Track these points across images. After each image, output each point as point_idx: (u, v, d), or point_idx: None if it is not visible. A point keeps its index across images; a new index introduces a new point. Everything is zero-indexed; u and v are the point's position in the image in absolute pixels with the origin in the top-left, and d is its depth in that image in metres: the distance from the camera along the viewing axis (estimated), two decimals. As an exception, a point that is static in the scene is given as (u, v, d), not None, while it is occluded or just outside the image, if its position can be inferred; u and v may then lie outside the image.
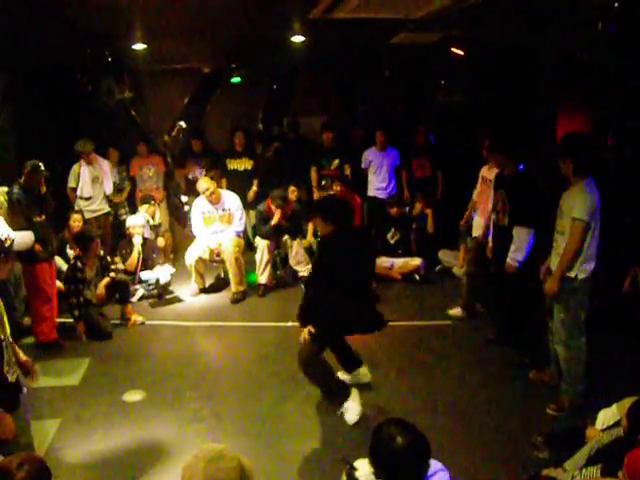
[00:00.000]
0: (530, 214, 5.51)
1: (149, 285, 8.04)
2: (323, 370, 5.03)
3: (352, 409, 4.95)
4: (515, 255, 5.59)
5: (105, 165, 8.72)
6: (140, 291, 7.98)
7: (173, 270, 8.25)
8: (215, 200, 8.09)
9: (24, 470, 2.34)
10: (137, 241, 8.04)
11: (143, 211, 8.67)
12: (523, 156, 5.96)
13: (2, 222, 3.56)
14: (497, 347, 6.28)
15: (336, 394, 5.05)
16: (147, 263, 8.23)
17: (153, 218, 8.75)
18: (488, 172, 6.73)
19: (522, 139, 6.94)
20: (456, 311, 7.18)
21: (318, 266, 5.05)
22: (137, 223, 8.16)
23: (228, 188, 8.70)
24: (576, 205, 4.60)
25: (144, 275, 8.07)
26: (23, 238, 3.69)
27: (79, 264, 6.77)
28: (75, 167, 8.48)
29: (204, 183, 8.07)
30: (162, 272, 8.11)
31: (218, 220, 8.15)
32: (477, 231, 6.90)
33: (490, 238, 6.31)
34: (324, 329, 4.88)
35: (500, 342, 6.27)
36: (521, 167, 5.88)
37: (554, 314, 4.93)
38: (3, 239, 3.25)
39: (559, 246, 4.82)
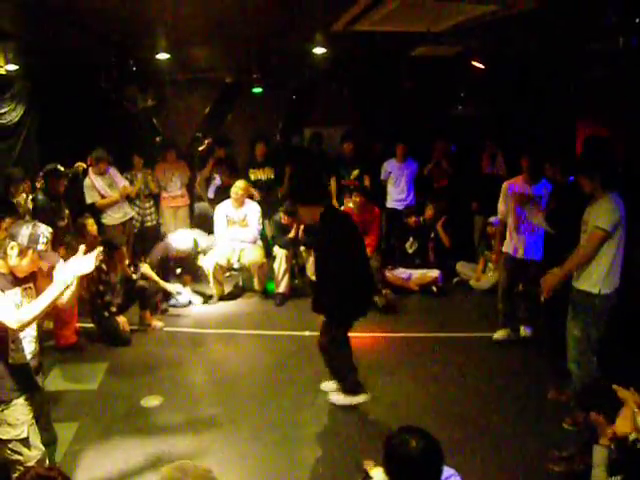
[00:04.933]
0: None
1: (170, 299, 8.04)
2: (342, 354, 5.26)
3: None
4: None
5: (112, 169, 8.58)
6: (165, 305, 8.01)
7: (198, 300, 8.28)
8: (239, 204, 8.29)
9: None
10: None
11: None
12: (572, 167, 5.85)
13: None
14: (514, 361, 6.31)
15: (347, 383, 5.30)
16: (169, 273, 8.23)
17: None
18: (531, 189, 6.50)
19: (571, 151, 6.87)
20: (500, 334, 6.79)
21: (323, 253, 5.15)
22: (184, 249, 8.07)
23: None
24: (600, 215, 4.59)
25: (179, 295, 8.02)
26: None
27: (104, 267, 6.86)
28: (87, 182, 8.31)
29: (242, 184, 8.37)
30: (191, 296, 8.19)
31: (238, 224, 8.32)
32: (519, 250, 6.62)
33: None
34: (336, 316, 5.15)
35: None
36: (571, 178, 5.77)
37: (568, 329, 4.90)
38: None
39: None
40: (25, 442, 3.56)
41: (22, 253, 3.52)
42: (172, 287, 7.85)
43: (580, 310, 4.79)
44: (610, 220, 4.56)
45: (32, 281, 3.68)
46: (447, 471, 2.71)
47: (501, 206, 6.79)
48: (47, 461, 3.67)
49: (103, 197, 8.37)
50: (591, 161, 4.89)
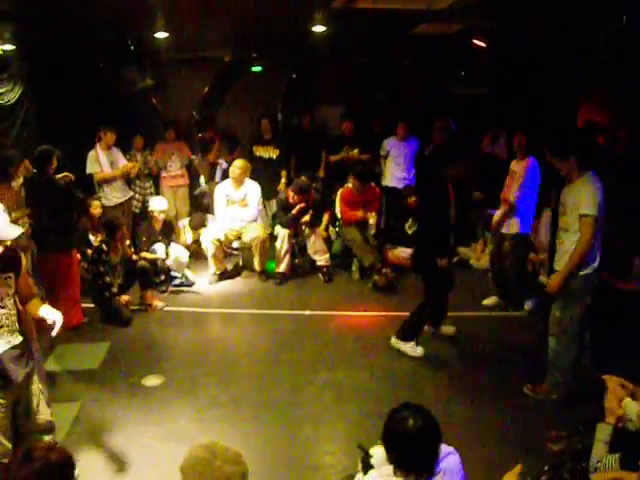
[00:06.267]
0: None
1: (175, 279, 8.00)
2: (420, 320, 5.98)
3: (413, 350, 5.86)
4: None
5: (117, 150, 8.62)
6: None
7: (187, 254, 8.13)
8: (239, 183, 8.28)
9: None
10: None
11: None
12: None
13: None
14: (516, 339, 6.33)
15: (415, 332, 5.95)
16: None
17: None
18: (516, 165, 6.71)
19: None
20: (490, 300, 7.17)
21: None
22: (163, 208, 8.02)
23: (251, 175, 8.75)
24: (582, 200, 4.58)
25: (159, 250, 7.83)
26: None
27: (104, 247, 6.87)
28: (92, 153, 8.34)
29: (242, 163, 8.33)
30: (179, 251, 8.02)
31: (238, 203, 8.31)
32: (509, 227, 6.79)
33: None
34: None
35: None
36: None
37: (552, 308, 4.96)
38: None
39: (563, 243, 4.80)
40: None
41: None
42: (159, 253, 7.75)
43: (561, 291, 4.80)
44: (592, 203, 4.55)
45: (13, 271, 3.55)
46: (445, 449, 2.73)
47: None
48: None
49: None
50: (563, 144, 4.92)
